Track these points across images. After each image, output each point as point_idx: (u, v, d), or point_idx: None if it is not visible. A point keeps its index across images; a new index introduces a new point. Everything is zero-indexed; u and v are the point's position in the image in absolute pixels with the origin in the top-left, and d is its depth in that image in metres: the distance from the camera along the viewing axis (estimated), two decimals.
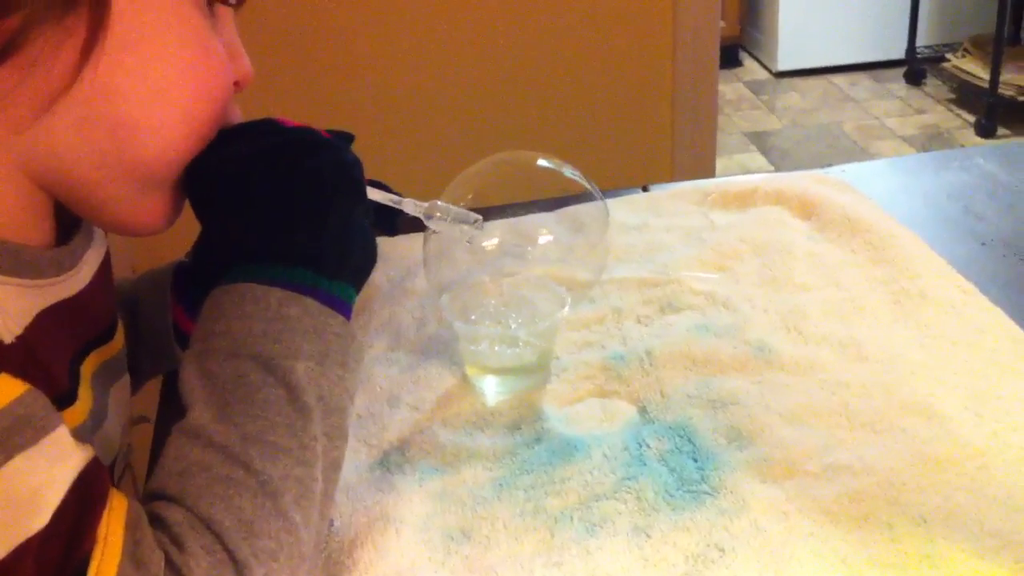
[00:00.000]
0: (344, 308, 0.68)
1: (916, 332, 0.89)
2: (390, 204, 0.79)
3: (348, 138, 0.79)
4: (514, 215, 0.98)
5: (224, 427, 0.61)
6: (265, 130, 0.70)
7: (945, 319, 0.90)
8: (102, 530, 0.56)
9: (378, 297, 1.00)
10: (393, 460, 0.79)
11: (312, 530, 0.62)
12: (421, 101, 1.91)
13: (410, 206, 0.81)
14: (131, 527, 0.57)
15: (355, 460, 0.79)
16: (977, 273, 0.96)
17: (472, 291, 0.89)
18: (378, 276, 1.02)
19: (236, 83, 0.70)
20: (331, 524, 0.72)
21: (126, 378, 0.78)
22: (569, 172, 0.94)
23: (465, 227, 0.82)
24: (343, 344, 0.66)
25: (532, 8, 1.89)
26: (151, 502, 0.60)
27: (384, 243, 1.04)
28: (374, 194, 0.75)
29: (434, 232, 0.86)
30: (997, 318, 0.90)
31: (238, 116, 0.71)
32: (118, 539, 0.56)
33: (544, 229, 0.97)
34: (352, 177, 0.71)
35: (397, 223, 0.96)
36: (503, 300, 0.89)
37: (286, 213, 0.67)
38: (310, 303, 0.65)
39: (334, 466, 0.65)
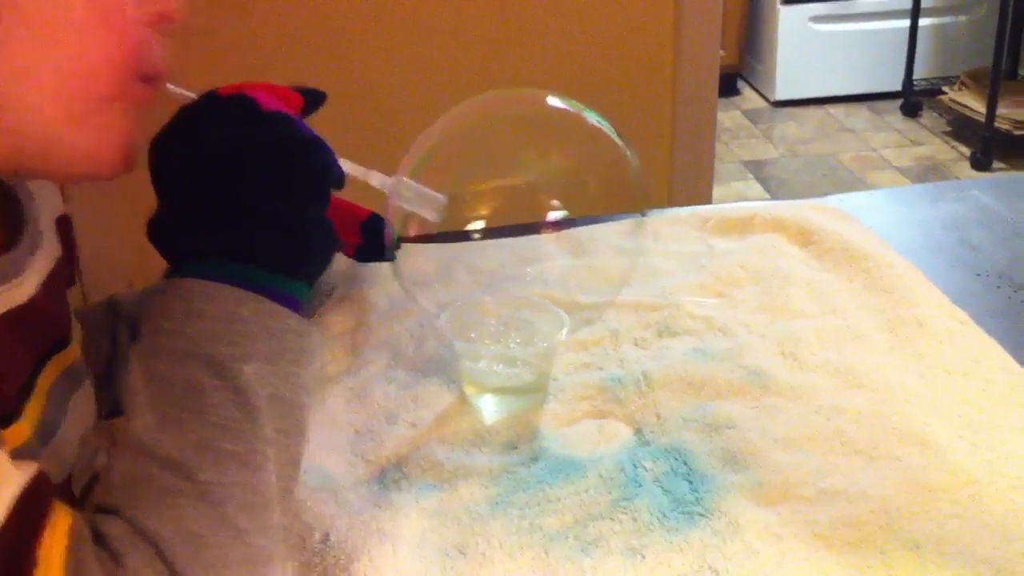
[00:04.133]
0: (298, 305, 0.66)
1: (911, 361, 0.90)
2: (357, 176, 0.76)
3: (319, 98, 0.77)
4: (515, 236, 0.99)
5: (167, 435, 0.59)
6: (237, 114, 0.67)
7: (940, 348, 0.91)
8: (44, 551, 0.54)
9: (377, 315, 1.00)
10: (390, 476, 0.80)
11: (271, 533, 0.60)
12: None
13: (376, 179, 0.78)
14: (73, 546, 0.55)
15: (353, 476, 0.80)
16: (972, 303, 0.97)
17: (472, 310, 0.90)
18: (377, 294, 1.03)
19: (161, 16, 0.66)
20: (327, 539, 0.73)
21: (87, 386, 0.77)
22: (594, 118, 0.89)
23: (429, 208, 0.79)
24: (299, 341, 0.65)
25: (532, 36, 1.91)
26: (95, 515, 0.59)
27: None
28: (343, 164, 0.72)
29: (433, 249, 0.86)
30: (991, 348, 0.91)
31: (159, 54, 0.67)
32: (60, 559, 0.54)
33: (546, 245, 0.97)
34: (318, 179, 0.69)
35: (392, 249, 0.96)
36: (502, 320, 0.90)
37: (246, 210, 0.65)
38: (264, 302, 0.64)
39: (293, 463, 0.64)
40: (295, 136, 0.68)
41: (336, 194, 0.72)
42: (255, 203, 0.65)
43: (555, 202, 0.89)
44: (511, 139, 0.92)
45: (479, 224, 0.89)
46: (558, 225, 0.89)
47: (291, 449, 0.64)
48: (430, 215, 0.79)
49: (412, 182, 0.80)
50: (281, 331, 0.64)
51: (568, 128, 0.91)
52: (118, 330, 0.90)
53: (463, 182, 0.88)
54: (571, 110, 0.90)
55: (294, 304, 0.66)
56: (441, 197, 0.79)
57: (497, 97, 0.92)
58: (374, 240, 0.94)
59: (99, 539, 0.57)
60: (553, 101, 0.90)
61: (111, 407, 0.85)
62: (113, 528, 0.57)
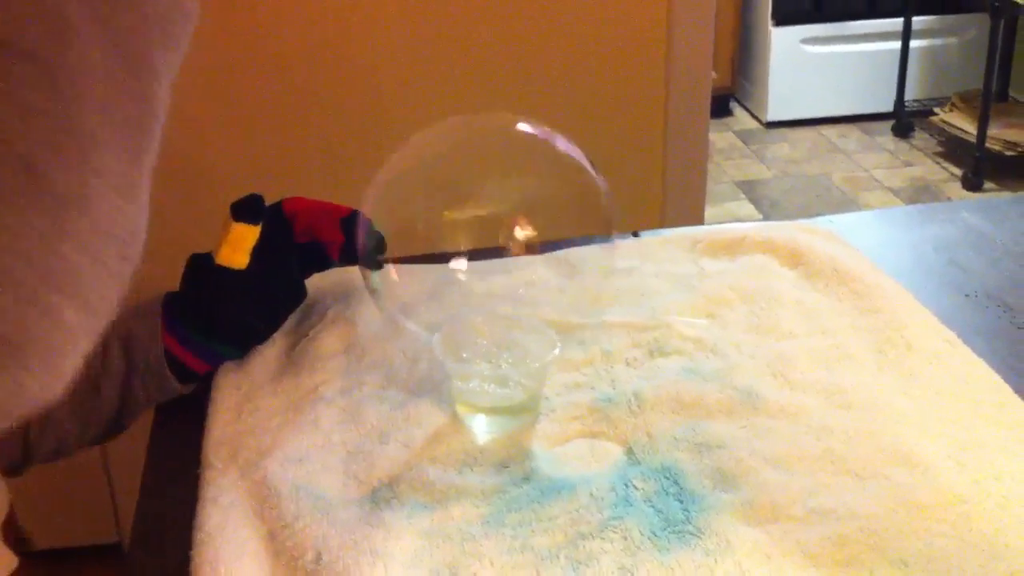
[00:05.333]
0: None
1: (900, 381, 0.90)
2: None
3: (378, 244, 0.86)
4: (505, 257, 0.99)
5: None
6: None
7: (929, 369, 0.91)
8: None
9: (370, 335, 1.01)
10: (382, 496, 0.80)
11: (85, 170, 0.48)
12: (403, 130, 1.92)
13: None
14: None
15: (345, 495, 0.80)
16: (961, 324, 0.98)
17: (464, 331, 0.91)
18: (371, 315, 1.03)
19: None
20: (319, 558, 0.73)
21: None
22: (563, 145, 0.90)
23: None
24: None
25: (524, 56, 1.92)
26: None
27: (376, 280, 1.05)
28: None
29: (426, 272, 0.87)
30: (980, 369, 0.91)
31: None
32: None
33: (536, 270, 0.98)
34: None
35: (381, 257, 0.97)
36: (494, 340, 0.90)
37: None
38: None
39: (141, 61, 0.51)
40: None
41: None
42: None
43: (523, 223, 0.90)
44: (478, 164, 0.93)
45: (448, 247, 0.91)
46: (530, 247, 0.90)
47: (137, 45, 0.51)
48: None
49: None
50: None
51: (536, 154, 0.93)
52: None
53: (430, 207, 0.91)
54: (540, 135, 0.91)
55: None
56: None
57: (462, 123, 0.94)
58: (356, 237, 0.95)
59: None
60: (522, 126, 0.91)
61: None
62: None
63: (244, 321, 0.95)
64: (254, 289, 0.94)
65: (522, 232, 0.90)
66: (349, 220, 0.95)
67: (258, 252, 0.94)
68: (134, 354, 0.92)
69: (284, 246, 0.96)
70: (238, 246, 0.93)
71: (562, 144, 0.91)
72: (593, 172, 0.91)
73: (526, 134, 0.92)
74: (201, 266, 0.94)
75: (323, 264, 1.01)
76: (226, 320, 0.93)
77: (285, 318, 1.00)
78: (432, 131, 0.91)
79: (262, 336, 0.98)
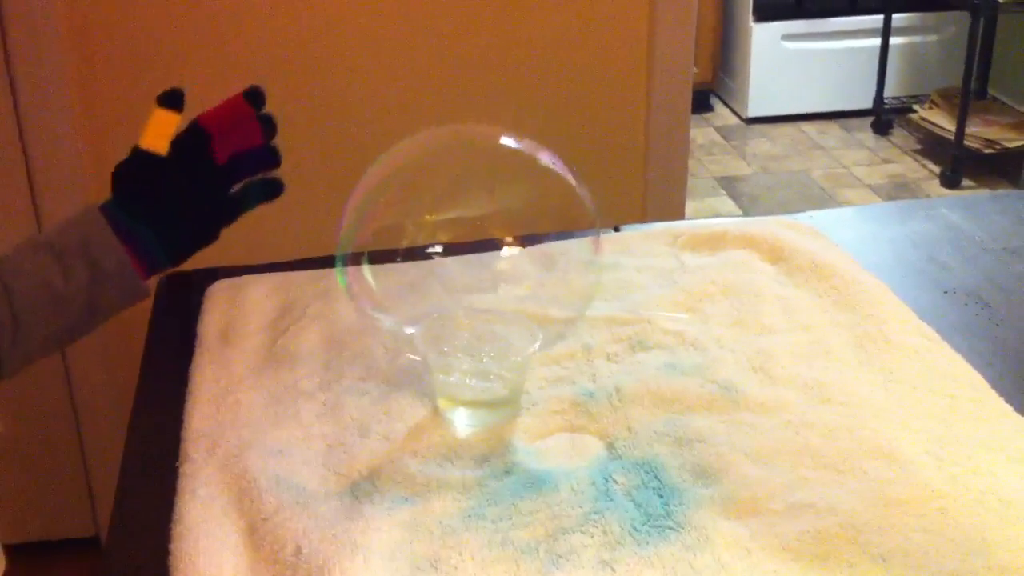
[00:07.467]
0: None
1: (879, 376, 0.91)
2: None
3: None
4: (486, 251, 0.99)
5: None
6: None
7: (908, 364, 0.92)
8: None
9: (350, 330, 1.00)
10: (363, 489, 0.80)
11: None
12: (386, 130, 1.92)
13: None
14: None
15: (325, 489, 0.80)
16: (939, 320, 0.98)
17: (445, 324, 0.90)
18: (350, 310, 1.03)
19: None
20: (299, 551, 0.73)
21: None
22: (548, 160, 0.91)
23: None
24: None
25: (508, 50, 1.91)
26: None
27: (358, 275, 1.05)
28: None
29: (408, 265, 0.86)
30: (958, 365, 0.92)
31: None
32: None
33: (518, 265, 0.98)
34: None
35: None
36: (475, 334, 0.90)
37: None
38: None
39: None
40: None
41: None
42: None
43: (508, 239, 0.93)
44: (462, 175, 0.94)
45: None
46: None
47: None
48: None
49: None
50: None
51: (518, 164, 0.94)
52: None
53: (414, 212, 0.92)
54: (523, 148, 0.92)
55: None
56: None
57: (448, 133, 0.95)
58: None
59: None
60: (506, 140, 0.93)
61: None
62: None
63: (163, 200, 0.93)
64: (172, 175, 0.93)
65: (508, 250, 0.94)
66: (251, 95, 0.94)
67: (177, 148, 0.93)
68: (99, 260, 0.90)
69: (201, 154, 0.94)
70: (158, 131, 0.93)
71: (545, 157, 0.92)
72: (577, 185, 0.91)
73: (510, 147, 0.93)
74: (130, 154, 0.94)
75: (264, 166, 0.96)
76: (146, 198, 0.93)
77: (207, 223, 0.96)
78: (416, 140, 0.92)
79: (183, 234, 0.94)
